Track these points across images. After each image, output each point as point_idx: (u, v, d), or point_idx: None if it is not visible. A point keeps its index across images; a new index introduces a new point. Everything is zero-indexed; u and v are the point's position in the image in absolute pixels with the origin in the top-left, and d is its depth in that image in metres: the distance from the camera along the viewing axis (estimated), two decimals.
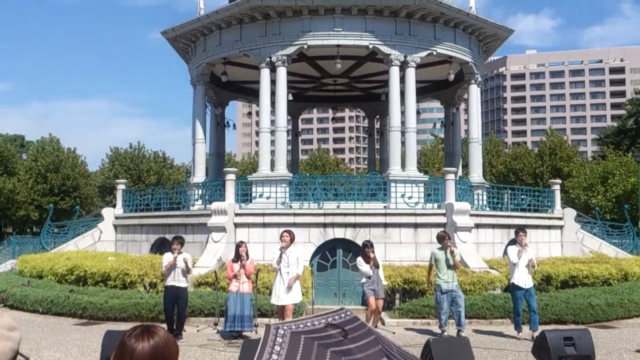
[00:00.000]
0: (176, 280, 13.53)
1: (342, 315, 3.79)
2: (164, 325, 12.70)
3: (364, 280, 13.95)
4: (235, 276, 13.49)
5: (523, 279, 13.43)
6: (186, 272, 13.73)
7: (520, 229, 14.05)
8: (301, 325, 3.58)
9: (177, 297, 13.52)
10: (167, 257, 13.70)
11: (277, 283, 13.22)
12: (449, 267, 13.52)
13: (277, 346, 3.35)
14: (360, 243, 17.84)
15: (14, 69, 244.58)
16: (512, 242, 21.00)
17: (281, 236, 13.47)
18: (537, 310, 13.65)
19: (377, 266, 13.93)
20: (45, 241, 26.09)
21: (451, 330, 13.54)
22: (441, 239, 13.90)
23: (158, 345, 2.36)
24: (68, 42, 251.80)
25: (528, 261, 13.51)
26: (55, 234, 27.56)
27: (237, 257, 13.65)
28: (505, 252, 20.65)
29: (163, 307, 13.92)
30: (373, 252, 13.89)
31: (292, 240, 13.34)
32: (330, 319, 3.66)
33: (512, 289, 13.76)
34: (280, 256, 13.06)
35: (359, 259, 14.01)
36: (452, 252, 13.54)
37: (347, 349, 3.40)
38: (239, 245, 13.92)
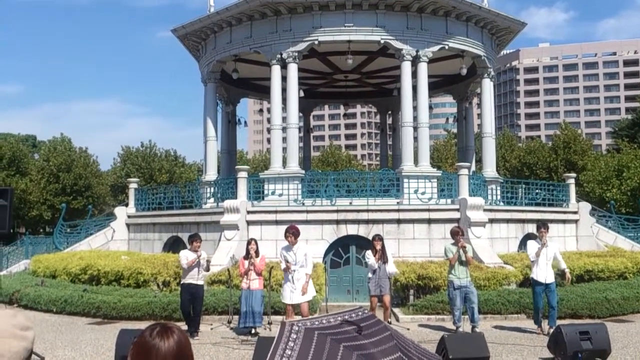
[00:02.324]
0: (195, 278, 13.42)
1: (360, 313, 3.80)
2: (178, 324, 12.67)
3: (370, 275, 13.87)
4: (246, 273, 13.46)
5: (543, 274, 13.29)
6: (205, 270, 13.70)
7: (542, 224, 13.85)
8: (316, 323, 3.61)
9: (195, 295, 13.42)
10: (187, 255, 13.46)
11: (287, 282, 13.01)
12: (461, 263, 13.41)
13: (291, 342, 3.38)
14: (372, 236, 17.85)
15: (25, 70, 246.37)
16: (527, 236, 20.92)
17: (285, 236, 13.13)
18: (556, 307, 13.49)
19: (385, 261, 13.76)
20: (58, 241, 26.21)
21: (466, 326, 13.44)
22: (454, 234, 13.79)
23: (181, 343, 2.36)
24: (78, 43, 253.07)
25: (553, 256, 13.37)
26: (68, 233, 27.68)
27: (247, 254, 13.61)
28: (520, 247, 20.58)
29: (180, 305, 13.70)
30: (381, 245, 13.76)
31: (295, 237, 13.01)
32: (347, 317, 3.66)
33: (532, 284, 13.65)
34: (285, 258, 12.86)
35: (368, 252, 13.99)
36: (463, 248, 13.40)
37: (361, 344, 3.41)
38: (248, 242, 13.90)
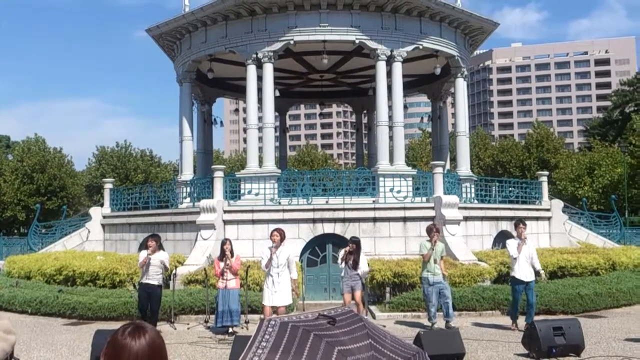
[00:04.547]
0: (149, 278, 13.51)
1: (339, 310, 3.90)
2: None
3: (342, 273, 13.86)
4: (222, 273, 13.50)
5: (524, 273, 13.28)
6: (163, 270, 13.73)
7: (520, 221, 13.91)
8: (294, 317, 3.71)
9: (149, 295, 13.52)
10: (142, 254, 13.73)
11: (268, 283, 12.97)
12: (435, 260, 13.58)
13: (267, 335, 3.47)
14: (349, 238, 17.89)
15: (0, 70, 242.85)
16: (502, 233, 21.19)
17: (271, 235, 13.18)
18: (534, 305, 13.49)
19: (352, 267, 13.59)
20: (33, 242, 25.96)
21: (440, 322, 13.58)
22: (429, 231, 13.92)
23: (154, 341, 2.38)
24: (55, 42, 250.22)
25: (529, 254, 13.45)
26: (42, 234, 27.43)
27: (222, 254, 13.63)
28: (494, 244, 20.80)
29: (138, 304, 13.92)
30: (352, 249, 13.64)
31: (282, 239, 13.03)
32: (325, 312, 3.77)
33: (512, 282, 13.64)
34: (270, 257, 12.83)
35: (342, 251, 13.99)
36: (434, 243, 13.57)
37: (332, 333, 3.54)
38: (223, 242, 13.89)
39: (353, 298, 13.77)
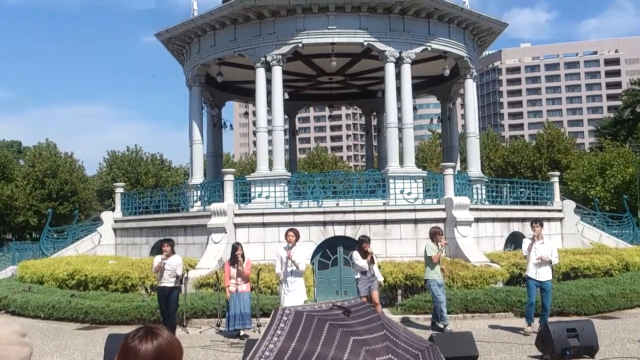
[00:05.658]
0: (165, 281, 13.61)
1: (352, 301, 3.95)
2: None
3: (358, 275, 13.72)
4: (231, 278, 13.58)
5: (535, 271, 13.10)
6: (176, 275, 13.77)
7: (535, 221, 13.90)
8: (308, 307, 3.74)
9: (166, 297, 13.59)
10: (156, 260, 13.85)
11: (284, 285, 13.04)
12: (439, 261, 13.70)
13: (282, 324, 3.53)
14: (358, 238, 17.84)
15: (11, 76, 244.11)
16: (513, 235, 21.14)
17: (286, 235, 13.23)
18: (549, 309, 13.28)
19: (373, 262, 13.75)
20: (45, 246, 26.06)
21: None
22: (435, 234, 13.90)
23: (162, 347, 2.34)
24: (64, 48, 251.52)
25: (549, 252, 13.20)
26: (54, 239, 27.53)
27: (234, 260, 13.63)
28: (506, 245, 20.73)
29: (159, 309, 14.05)
30: (370, 247, 13.81)
31: (297, 239, 13.12)
32: (339, 303, 3.80)
33: (526, 278, 13.66)
34: (286, 261, 12.85)
35: (355, 253, 13.80)
36: (445, 244, 13.68)
37: (347, 323, 3.58)
38: (235, 248, 13.88)
39: (369, 300, 13.74)
